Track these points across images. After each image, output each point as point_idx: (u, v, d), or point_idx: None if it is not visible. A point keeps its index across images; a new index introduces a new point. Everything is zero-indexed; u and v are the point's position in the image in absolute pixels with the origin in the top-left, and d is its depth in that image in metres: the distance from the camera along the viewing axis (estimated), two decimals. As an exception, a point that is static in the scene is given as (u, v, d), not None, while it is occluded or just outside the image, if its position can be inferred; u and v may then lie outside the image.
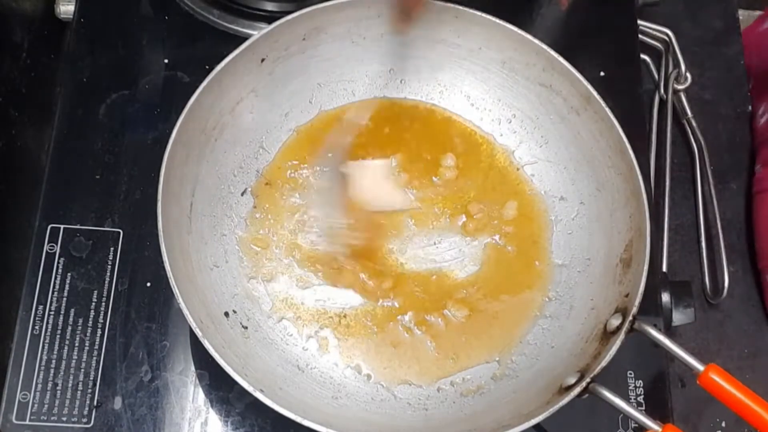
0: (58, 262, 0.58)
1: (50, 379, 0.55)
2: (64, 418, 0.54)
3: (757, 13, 0.89)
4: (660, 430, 0.47)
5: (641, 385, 0.58)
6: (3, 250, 0.62)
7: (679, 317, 0.61)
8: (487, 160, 0.62)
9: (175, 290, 0.48)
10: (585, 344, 0.53)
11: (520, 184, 0.62)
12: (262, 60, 0.58)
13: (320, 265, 0.58)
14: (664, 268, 0.67)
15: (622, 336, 0.49)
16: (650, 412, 0.56)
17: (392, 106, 0.63)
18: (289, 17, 0.57)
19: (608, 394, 0.48)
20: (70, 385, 0.55)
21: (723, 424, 0.64)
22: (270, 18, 0.66)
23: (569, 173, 0.60)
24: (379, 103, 0.63)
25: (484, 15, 0.59)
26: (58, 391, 0.54)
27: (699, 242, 0.69)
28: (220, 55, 0.55)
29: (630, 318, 0.50)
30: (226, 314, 0.54)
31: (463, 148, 0.62)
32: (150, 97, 0.64)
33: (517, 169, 0.62)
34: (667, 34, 0.74)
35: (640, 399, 0.58)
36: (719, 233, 0.69)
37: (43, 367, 0.55)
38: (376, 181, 0.59)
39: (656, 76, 0.75)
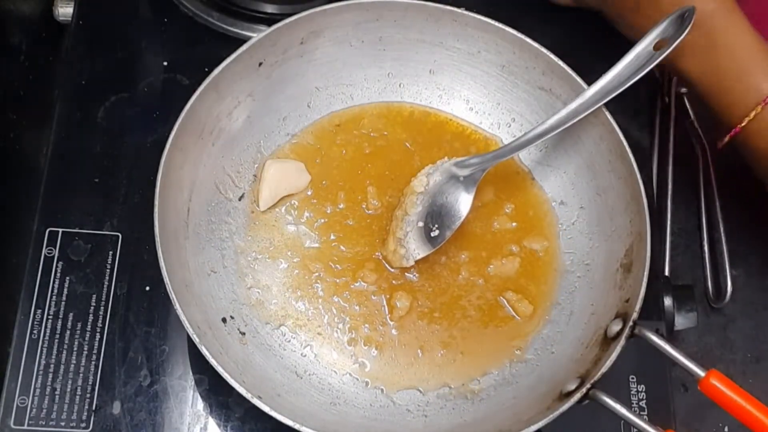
0: (57, 266, 0.57)
1: (48, 383, 0.55)
2: (63, 423, 0.54)
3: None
4: (661, 435, 0.47)
5: (643, 389, 0.58)
6: (1, 253, 0.62)
7: (681, 321, 0.61)
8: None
9: (172, 296, 0.48)
10: (585, 350, 0.53)
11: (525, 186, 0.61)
12: (260, 64, 0.57)
13: (320, 265, 0.57)
14: (667, 272, 0.66)
15: (622, 342, 0.49)
16: (652, 418, 0.56)
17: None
18: (287, 21, 0.56)
19: (608, 400, 0.48)
20: (68, 389, 0.55)
21: (726, 430, 0.63)
22: (270, 20, 0.65)
23: (569, 177, 0.60)
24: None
25: (482, 18, 0.58)
26: (57, 396, 0.54)
27: (702, 246, 0.69)
28: (220, 57, 0.55)
29: (630, 323, 0.49)
30: (224, 320, 0.54)
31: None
32: (149, 99, 0.64)
33: (517, 173, 0.62)
34: (669, 36, 0.74)
35: (642, 404, 0.58)
36: (722, 237, 0.68)
37: (41, 372, 0.55)
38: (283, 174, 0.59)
39: (659, 78, 0.74)
